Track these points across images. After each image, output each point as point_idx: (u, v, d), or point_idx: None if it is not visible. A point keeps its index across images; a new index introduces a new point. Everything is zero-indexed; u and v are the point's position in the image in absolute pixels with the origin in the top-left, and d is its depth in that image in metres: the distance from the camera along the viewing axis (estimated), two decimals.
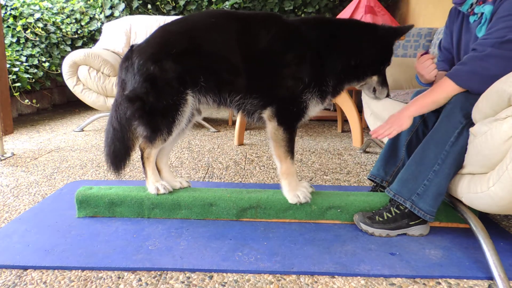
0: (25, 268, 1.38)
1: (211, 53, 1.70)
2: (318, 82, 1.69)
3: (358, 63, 1.70)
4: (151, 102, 1.67)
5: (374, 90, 1.82)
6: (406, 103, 2.04)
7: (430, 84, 1.75)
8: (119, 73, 1.78)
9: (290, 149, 1.75)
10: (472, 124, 1.41)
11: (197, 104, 1.76)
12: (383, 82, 1.79)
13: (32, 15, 4.54)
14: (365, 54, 1.70)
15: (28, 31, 4.44)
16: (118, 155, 1.82)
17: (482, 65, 1.43)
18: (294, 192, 1.75)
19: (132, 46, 1.76)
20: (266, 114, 1.74)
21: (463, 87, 1.49)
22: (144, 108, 1.68)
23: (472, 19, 1.59)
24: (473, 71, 1.45)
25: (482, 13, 1.50)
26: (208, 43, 1.70)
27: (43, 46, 4.56)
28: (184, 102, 1.68)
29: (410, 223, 1.61)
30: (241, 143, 3.37)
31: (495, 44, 1.40)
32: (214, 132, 3.89)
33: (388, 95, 1.83)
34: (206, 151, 3.10)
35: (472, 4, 1.54)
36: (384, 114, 2.41)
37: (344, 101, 3.28)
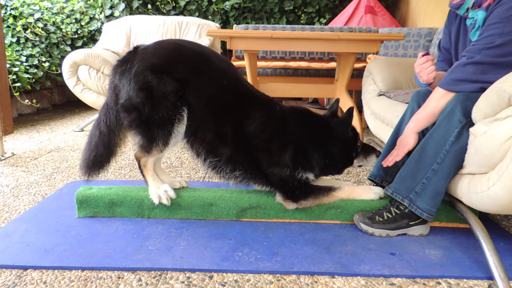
0: (25, 268, 1.38)
1: (206, 104, 1.69)
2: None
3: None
4: (148, 113, 1.63)
5: (361, 165, 1.91)
6: (407, 103, 2.04)
7: (429, 84, 1.74)
8: (111, 77, 1.73)
9: (318, 197, 1.75)
10: (473, 124, 1.41)
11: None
12: (365, 154, 1.87)
13: (32, 15, 4.54)
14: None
15: (28, 31, 4.43)
16: (98, 161, 1.76)
17: (470, 71, 1.45)
18: (368, 194, 1.80)
19: (136, 47, 1.72)
20: (269, 189, 1.79)
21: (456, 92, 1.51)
22: (141, 119, 1.64)
23: (468, 21, 1.59)
24: (461, 78, 1.47)
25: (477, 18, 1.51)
26: (208, 94, 1.69)
27: (43, 46, 4.56)
28: (181, 118, 1.65)
29: (410, 223, 1.61)
30: None
31: (482, 51, 1.42)
32: None
33: (377, 156, 1.88)
34: None
35: (468, 9, 1.55)
36: (384, 114, 2.41)
37: (344, 101, 3.27)
